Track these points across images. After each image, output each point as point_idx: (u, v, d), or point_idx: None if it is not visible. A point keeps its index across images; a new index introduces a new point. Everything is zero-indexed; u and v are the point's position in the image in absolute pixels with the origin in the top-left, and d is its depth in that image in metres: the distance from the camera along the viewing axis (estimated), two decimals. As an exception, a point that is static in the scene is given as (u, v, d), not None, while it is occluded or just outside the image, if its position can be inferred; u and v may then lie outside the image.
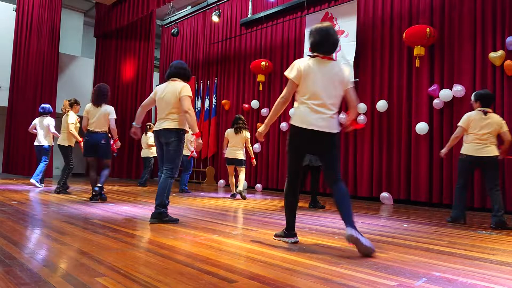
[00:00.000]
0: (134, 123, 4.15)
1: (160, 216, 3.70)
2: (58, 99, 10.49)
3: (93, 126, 5.39)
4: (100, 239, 2.82)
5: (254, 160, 6.81)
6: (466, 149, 4.46)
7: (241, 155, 6.56)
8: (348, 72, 3.08)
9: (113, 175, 12.02)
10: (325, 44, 2.86)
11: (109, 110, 5.43)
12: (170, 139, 3.81)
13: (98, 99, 5.42)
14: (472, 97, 4.64)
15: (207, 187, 9.41)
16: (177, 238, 2.99)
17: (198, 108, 11.18)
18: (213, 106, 10.66)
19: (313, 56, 2.90)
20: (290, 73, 2.89)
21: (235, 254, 2.55)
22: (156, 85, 12.75)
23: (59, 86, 11.20)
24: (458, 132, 4.56)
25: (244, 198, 6.52)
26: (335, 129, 2.84)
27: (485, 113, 4.41)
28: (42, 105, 7.48)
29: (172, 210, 4.74)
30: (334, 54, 3.00)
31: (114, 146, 5.61)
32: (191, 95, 3.99)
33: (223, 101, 10.29)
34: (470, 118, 4.46)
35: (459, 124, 4.55)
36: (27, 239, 2.82)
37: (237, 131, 6.55)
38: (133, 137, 4.19)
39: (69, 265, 2.12)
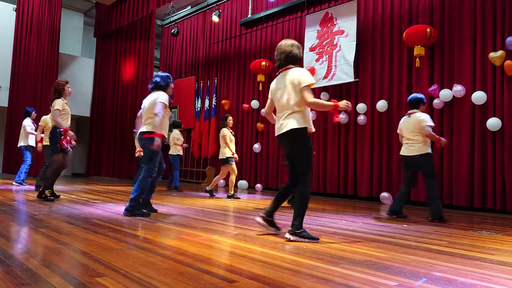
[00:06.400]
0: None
1: (133, 209, 4.13)
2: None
3: None
4: (100, 239, 2.82)
5: (235, 155, 6.67)
6: (401, 151, 4.87)
7: (221, 154, 6.65)
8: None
9: (113, 175, 12.02)
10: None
11: (54, 103, 5.28)
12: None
13: (51, 97, 5.38)
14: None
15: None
16: (177, 238, 3.00)
17: (198, 108, 11.18)
18: (213, 106, 10.66)
19: None
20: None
21: (235, 254, 2.55)
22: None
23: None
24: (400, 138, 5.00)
25: (235, 198, 6.64)
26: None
27: (409, 115, 4.82)
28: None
29: (172, 210, 4.76)
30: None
31: (64, 141, 5.23)
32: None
33: (223, 101, 10.29)
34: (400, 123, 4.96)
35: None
36: (27, 239, 2.82)
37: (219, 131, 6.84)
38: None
39: (69, 265, 2.12)
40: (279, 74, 3.34)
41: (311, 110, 3.49)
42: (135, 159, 9.10)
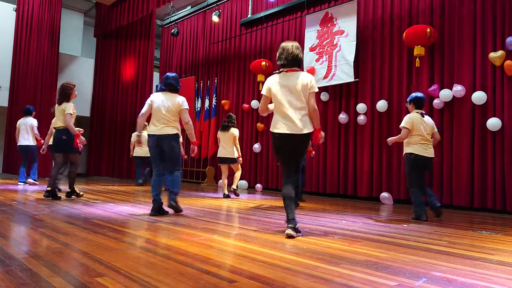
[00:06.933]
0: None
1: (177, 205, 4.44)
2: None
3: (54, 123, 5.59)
4: (100, 239, 2.82)
5: (240, 159, 6.79)
6: (415, 149, 4.67)
7: (232, 153, 6.62)
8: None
9: (113, 175, 12.02)
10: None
11: (64, 106, 5.39)
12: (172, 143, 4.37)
13: (59, 98, 5.51)
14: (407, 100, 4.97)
15: (207, 187, 9.41)
16: (177, 238, 3.00)
17: (198, 108, 11.18)
18: (213, 106, 10.66)
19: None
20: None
21: (235, 254, 2.55)
22: (157, 85, 12.79)
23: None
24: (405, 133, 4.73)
25: (237, 195, 6.72)
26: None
27: (422, 115, 4.75)
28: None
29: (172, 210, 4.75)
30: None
31: (78, 141, 5.43)
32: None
33: (223, 101, 10.29)
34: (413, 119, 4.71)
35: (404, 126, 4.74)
36: (27, 239, 2.82)
37: (225, 129, 6.66)
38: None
39: (69, 265, 2.12)
40: (280, 72, 3.43)
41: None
42: (133, 160, 9.12)
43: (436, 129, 4.82)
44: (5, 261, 2.11)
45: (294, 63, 3.40)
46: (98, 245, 2.62)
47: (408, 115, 4.80)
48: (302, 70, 3.48)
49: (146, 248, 2.58)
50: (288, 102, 3.34)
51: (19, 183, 7.84)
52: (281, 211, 5.03)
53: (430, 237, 3.41)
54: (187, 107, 4.46)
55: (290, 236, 3.12)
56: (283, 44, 3.48)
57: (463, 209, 5.97)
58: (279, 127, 3.35)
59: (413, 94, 4.93)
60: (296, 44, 3.46)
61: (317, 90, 3.39)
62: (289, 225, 3.19)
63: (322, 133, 3.54)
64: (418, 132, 4.64)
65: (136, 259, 2.28)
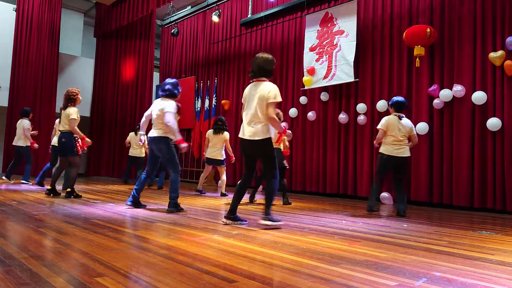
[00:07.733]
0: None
1: (176, 206, 4.60)
2: (58, 99, 10.48)
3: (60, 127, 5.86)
4: (100, 239, 2.82)
5: (233, 158, 7.15)
6: (387, 150, 5.01)
7: (219, 155, 6.92)
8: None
9: (113, 175, 12.02)
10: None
11: (69, 111, 5.64)
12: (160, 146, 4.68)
13: (64, 104, 5.81)
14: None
15: (207, 187, 9.41)
16: (177, 238, 3.00)
17: (198, 108, 11.17)
18: (213, 106, 10.66)
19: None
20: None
21: (235, 254, 2.55)
22: (157, 85, 12.80)
23: (59, 86, 11.18)
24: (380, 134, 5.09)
25: (225, 195, 6.93)
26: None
27: (400, 117, 5.03)
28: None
29: (172, 210, 4.75)
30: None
31: (84, 143, 5.75)
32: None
33: (223, 101, 10.29)
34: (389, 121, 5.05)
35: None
36: (27, 239, 2.82)
37: (216, 132, 6.92)
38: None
39: (69, 265, 2.12)
40: (252, 82, 3.82)
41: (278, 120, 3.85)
42: (131, 158, 9.17)
43: (414, 133, 5.13)
44: (5, 261, 2.11)
45: (261, 73, 3.71)
46: (98, 245, 2.62)
47: (385, 117, 5.15)
48: (271, 80, 3.80)
49: (146, 248, 2.58)
50: (247, 109, 3.70)
51: (23, 182, 7.96)
52: (280, 211, 5.04)
53: (430, 237, 3.42)
54: (170, 110, 4.63)
55: (224, 223, 3.71)
56: (256, 56, 3.82)
57: (463, 209, 5.97)
58: (241, 131, 3.77)
59: (394, 98, 5.23)
60: (265, 55, 3.75)
61: (277, 100, 3.56)
62: (226, 215, 3.75)
63: (289, 134, 3.92)
64: (392, 133, 4.99)
65: (136, 259, 2.28)
